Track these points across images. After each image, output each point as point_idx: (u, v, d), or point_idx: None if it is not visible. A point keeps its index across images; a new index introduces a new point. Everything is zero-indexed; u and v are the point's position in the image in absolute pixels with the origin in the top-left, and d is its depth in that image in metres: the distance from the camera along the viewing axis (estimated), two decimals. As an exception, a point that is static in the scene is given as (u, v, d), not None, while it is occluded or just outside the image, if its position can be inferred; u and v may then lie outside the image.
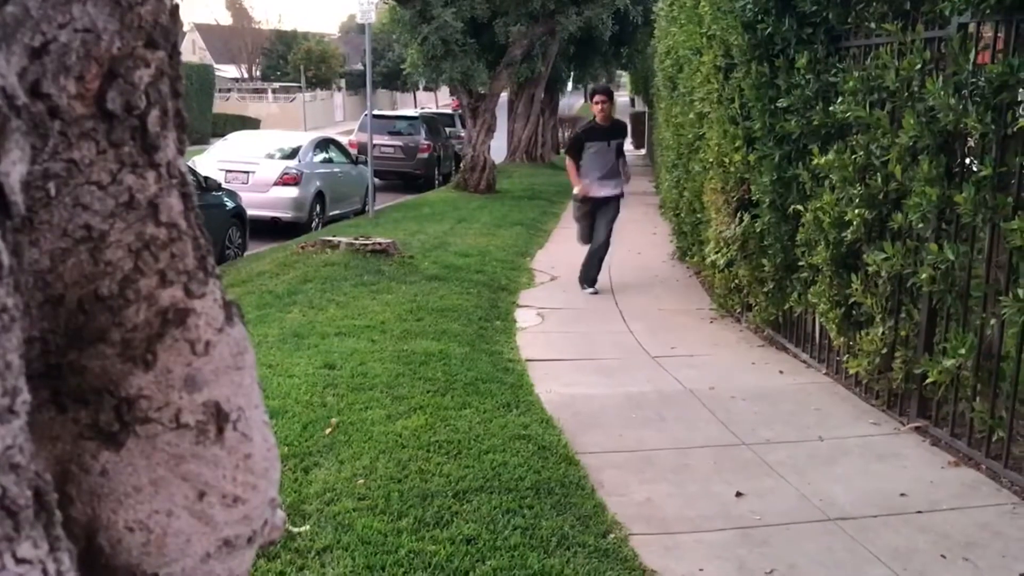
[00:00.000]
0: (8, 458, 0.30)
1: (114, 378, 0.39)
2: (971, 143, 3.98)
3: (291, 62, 50.70)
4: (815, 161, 4.90)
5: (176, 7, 0.42)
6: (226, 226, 9.90)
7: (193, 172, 9.54)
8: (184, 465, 0.40)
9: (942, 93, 3.88)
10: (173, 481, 0.39)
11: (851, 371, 4.96)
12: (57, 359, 0.37)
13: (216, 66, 44.87)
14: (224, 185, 10.73)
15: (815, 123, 5.01)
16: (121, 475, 0.38)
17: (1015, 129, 3.56)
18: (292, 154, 13.24)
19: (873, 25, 4.59)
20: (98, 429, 0.38)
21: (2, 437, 0.30)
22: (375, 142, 15.25)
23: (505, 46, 17.56)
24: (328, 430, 4.22)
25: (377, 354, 5.50)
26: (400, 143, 20.11)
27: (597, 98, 7.66)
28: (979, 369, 3.94)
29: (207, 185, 9.58)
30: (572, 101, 45.26)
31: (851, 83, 4.62)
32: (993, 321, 3.84)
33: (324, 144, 14.31)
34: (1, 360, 0.30)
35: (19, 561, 0.30)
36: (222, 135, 17.88)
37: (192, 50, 52.76)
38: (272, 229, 11.96)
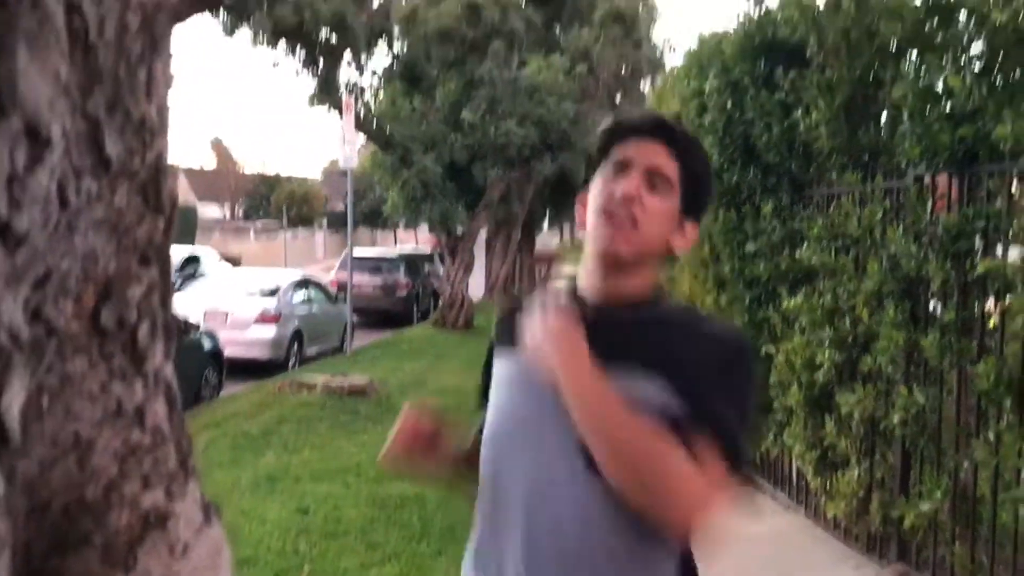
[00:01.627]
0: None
1: (94, 580, 0.41)
2: (934, 288, 4.09)
3: (274, 202, 51.56)
4: (784, 304, 5.00)
5: (169, 225, 0.46)
6: (203, 367, 9.84)
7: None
8: (159, 668, 0.41)
9: (903, 241, 4.02)
10: None
11: (829, 514, 4.92)
12: (40, 564, 0.39)
13: (200, 204, 45.55)
14: (203, 324, 10.73)
15: (783, 267, 5.14)
16: None
17: (974, 276, 3.66)
18: (271, 293, 13.31)
19: (835, 175, 4.78)
20: (75, 632, 0.40)
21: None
22: (356, 280, 15.40)
23: (483, 189, 18.03)
24: (299, 580, 4.11)
25: (352, 498, 5.41)
26: (380, 281, 20.29)
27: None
28: (956, 512, 3.93)
29: (186, 327, 9.58)
30: (548, 240, 46.11)
31: (816, 230, 4.77)
32: (966, 464, 3.85)
33: (303, 283, 14.42)
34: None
35: None
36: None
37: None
38: (249, 368, 11.90)
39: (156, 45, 0.45)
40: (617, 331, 1.32)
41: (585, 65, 18.85)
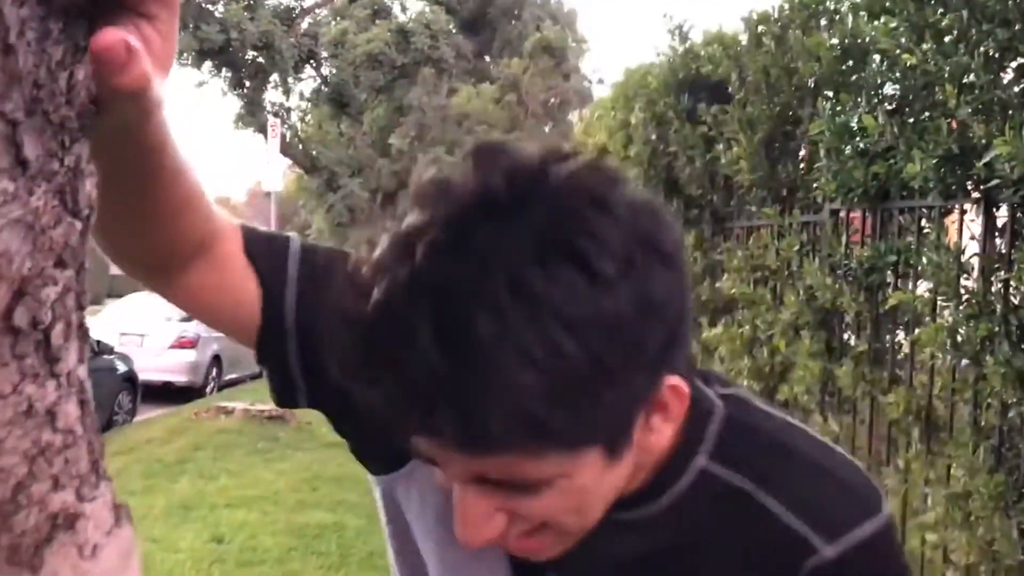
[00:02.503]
0: None
1: (-2, 584, 0.40)
2: (848, 320, 4.22)
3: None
4: (704, 335, 5.10)
5: (87, 228, 0.46)
6: (116, 391, 9.58)
7: (85, 334, 9.29)
8: (63, 673, 0.41)
9: (818, 273, 4.14)
10: None
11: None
12: (-59, 565, 0.39)
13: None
14: (118, 348, 10.46)
15: (703, 298, 5.25)
16: None
17: (886, 308, 3.80)
18: (190, 317, 13.03)
19: (754, 208, 4.91)
20: (-23, 635, 0.40)
21: None
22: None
23: (410, 215, 18.03)
24: (213, 609, 4.01)
25: (269, 527, 5.31)
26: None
27: None
28: (867, 539, 4.03)
29: (99, 348, 9.32)
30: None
31: (735, 262, 4.89)
32: (877, 491, 3.96)
33: (224, 307, 14.20)
34: None
35: None
36: (120, 296, 17.56)
37: (92, 210, 52.33)
38: (166, 393, 11.62)
39: (77, 50, 0.45)
40: (602, 552, 0.79)
41: (515, 95, 19.09)
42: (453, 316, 0.58)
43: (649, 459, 0.76)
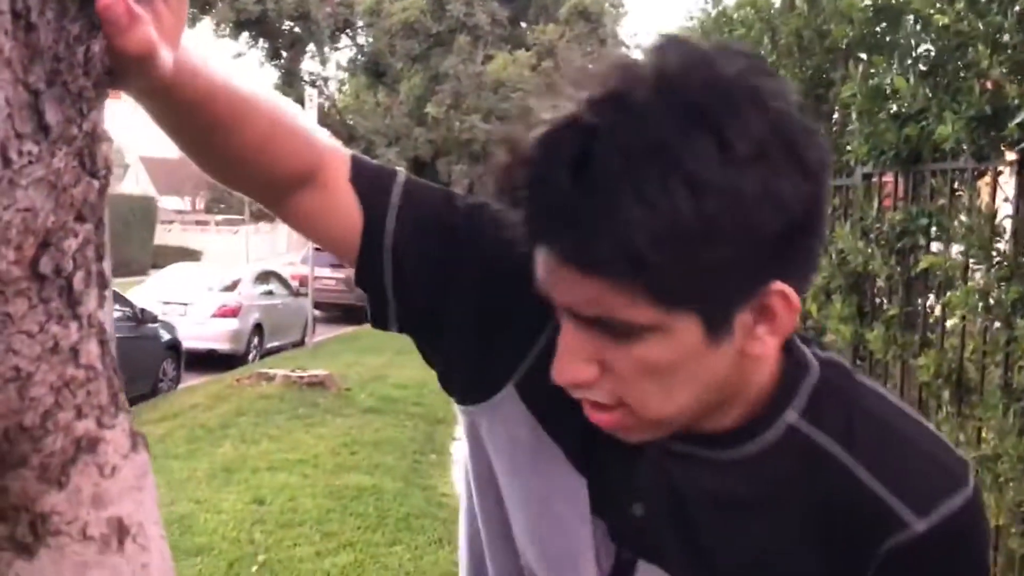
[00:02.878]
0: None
1: (31, 496, 0.46)
2: (879, 284, 4.20)
3: (236, 195, 51.11)
4: (738, 299, 5.11)
5: (104, 186, 0.52)
6: (160, 358, 9.79)
7: (129, 304, 9.51)
8: (89, 571, 0.47)
9: (850, 237, 4.13)
10: (77, 587, 0.46)
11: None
12: (-18, 482, 0.45)
13: (160, 196, 45.16)
14: (161, 317, 10.68)
15: (737, 263, 5.24)
16: (32, 582, 0.45)
17: (917, 271, 3.78)
18: (232, 286, 13.27)
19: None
20: (14, 541, 0.45)
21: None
22: (317, 274, 15.36)
23: (448, 184, 18.06)
24: (255, 568, 4.14)
25: (308, 489, 5.44)
26: (342, 275, 20.26)
27: None
28: (898, 501, 4.05)
29: (143, 317, 9.52)
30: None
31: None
32: (908, 454, 3.97)
33: (264, 276, 14.39)
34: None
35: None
36: (163, 267, 17.88)
37: (135, 182, 53.08)
38: (209, 361, 11.85)
39: (93, 27, 0.50)
40: (685, 475, 0.82)
41: (551, 61, 18.98)
42: (591, 150, 0.64)
43: (747, 384, 0.77)
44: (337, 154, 0.87)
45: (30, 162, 0.45)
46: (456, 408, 0.96)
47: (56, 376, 0.47)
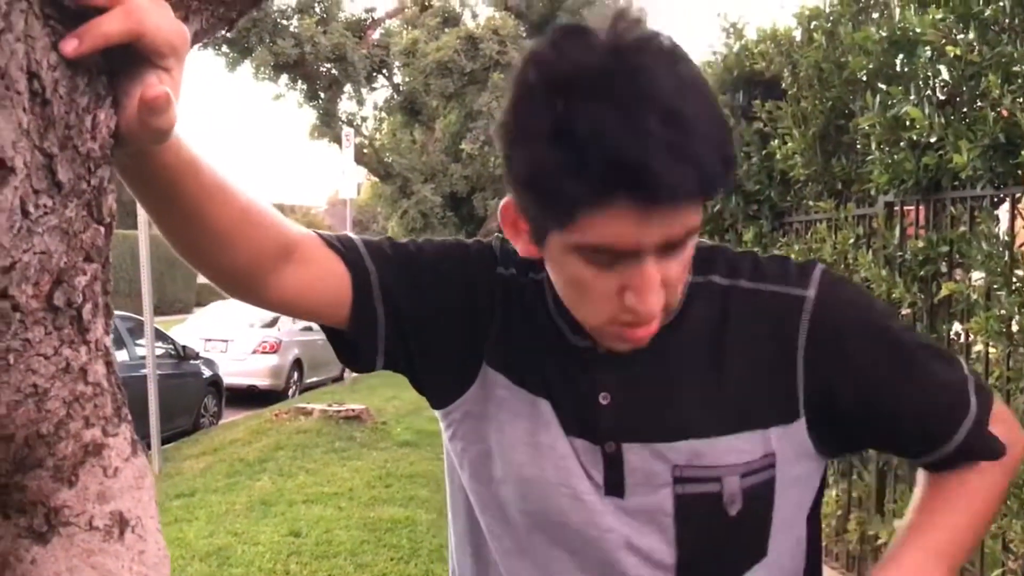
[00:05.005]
0: (-34, 536, 0.46)
1: (46, 493, 0.55)
2: (903, 311, 4.22)
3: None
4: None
5: (110, 231, 0.61)
6: (202, 394, 9.98)
7: (172, 341, 9.72)
8: (93, 557, 0.55)
9: (872, 265, 4.16)
10: (85, 569, 0.54)
11: (811, 534, 5.01)
12: (6, 480, 0.53)
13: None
14: (203, 353, 10.89)
15: (764, 293, 5.27)
16: (47, 564, 0.54)
17: (940, 299, 3.80)
18: (272, 323, 13.48)
19: (811, 203, 4.93)
20: (32, 530, 0.54)
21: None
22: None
23: (483, 219, 18.22)
24: (289, 598, 4.23)
25: (343, 521, 5.52)
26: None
27: None
28: (928, 530, 4.04)
29: (185, 354, 9.72)
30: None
31: (794, 256, 4.92)
32: (936, 482, 3.96)
33: (303, 313, 14.57)
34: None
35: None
36: (206, 305, 18.18)
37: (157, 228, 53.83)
38: (249, 397, 12.04)
39: (99, 98, 0.60)
40: (630, 359, 0.96)
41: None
42: (677, 110, 0.77)
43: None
44: (303, 231, 1.00)
45: (45, 213, 0.55)
46: (440, 423, 1.11)
47: (68, 392, 0.57)
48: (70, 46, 0.54)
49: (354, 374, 14.28)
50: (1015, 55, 3.15)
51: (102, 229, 0.60)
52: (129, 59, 0.61)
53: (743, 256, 1.03)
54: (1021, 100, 3.20)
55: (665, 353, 0.97)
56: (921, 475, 1.08)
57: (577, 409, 0.99)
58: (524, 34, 19.61)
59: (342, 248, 1.01)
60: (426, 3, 19.70)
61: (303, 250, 0.98)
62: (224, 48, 16.32)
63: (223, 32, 0.89)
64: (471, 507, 1.08)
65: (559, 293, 0.95)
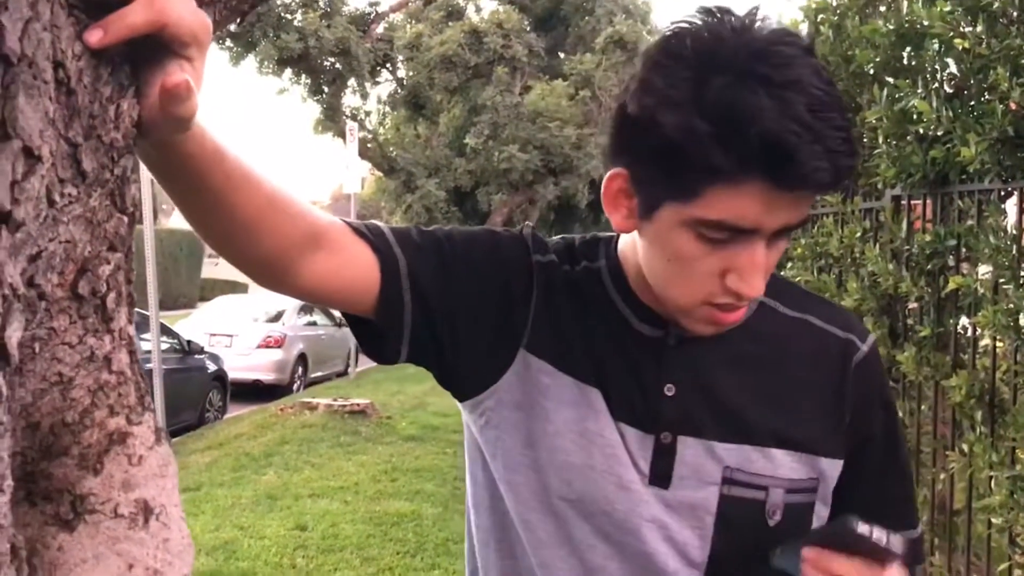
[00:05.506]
0: (-3, 521, 0.46)
1: (72, 481, 0.55)
2: (911, 305, 4.22)
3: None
4: (771, 322, 5.13)
5: (133, 220, 0.61)
6: (207, 388, 10.00)
7: (176, 336, 9.74)
8: (119, 544, 0.56)
9: (879, 259, 4.15)
10: (110, 556, 0.55)
11: (817, 528, 5.02)
12: (32, 468, 0.54)
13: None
14: (208, 348, 10.90)
15: (770, 287, 5.27)
16: (73, 551, 0.54)
17: (947, 293, 3.80)
18: (276, 317, 13.50)
19: (818, 197, 4.92)
20: (58, 518, 0.54)
21: (-7, 506, 0.47)
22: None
23: (487, 213, 18.22)
24: (296, 591, 4.24)
25: (349, 515, 5.54)
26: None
27: None
28: (934, 524, 4.04)
29: (190, 348, 9.74)
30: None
31: (800, 250, 4.91)
32: (943, 475, 3.96)
33: (308, 307, 14.61)
34: (-4, 457, 0.47)
35: (-2, 589, 0.46)
36: (211, 300, 18.21)
37: (183, 217, 53.89)
38: (254, 391, 12.05)
39: (123, 88, 0.60)
40: (703, 356, 1.01)
41: (588, 91, 19.12)
42: (823, 101, 0.82)
43: None
44: (331, 219, 0.99)
45: (70, 202, 0.55)
46: (465, 418, 1.12)
47: (92, 380, 0.57)
48: (95, 36, 0.54)
49: (359, 369, 14.30)
50: (1023, 47, 3.13)
51: (125, 219, 0.61)
52: (152, 49, 0.61)
53: (810, 294, 1.13)
54: (1028, 93, 3.19)
55: (738, 357, 1.02)
56: None
57: (635, 397, 1.00)
58: (528, 28, 19.60)
59: (370, 236, 1.01)
60: (430, -3, 19.68)
61: (331, 238, 0.97)
62: (228, 42, 16.32)
63: (231, 25, 0.89)
64: (497, 500, 1.07)
65: (651, 271, 0.96)
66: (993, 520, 3.55)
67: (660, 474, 0.99)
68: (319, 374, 13.99)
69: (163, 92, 0.61)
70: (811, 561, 0.89)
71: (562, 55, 21.51)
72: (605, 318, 1.03)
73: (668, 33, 0.89)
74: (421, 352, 1.04)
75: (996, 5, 3.30)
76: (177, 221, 49.22)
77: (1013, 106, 3.29)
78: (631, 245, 1.02)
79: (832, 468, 1.02)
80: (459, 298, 1.02)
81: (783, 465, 1.00)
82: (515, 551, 1.07)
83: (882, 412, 1.07)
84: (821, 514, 1.03)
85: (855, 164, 0.85)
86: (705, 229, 0.87)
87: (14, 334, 0.48)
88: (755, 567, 0.99)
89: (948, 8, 3.59)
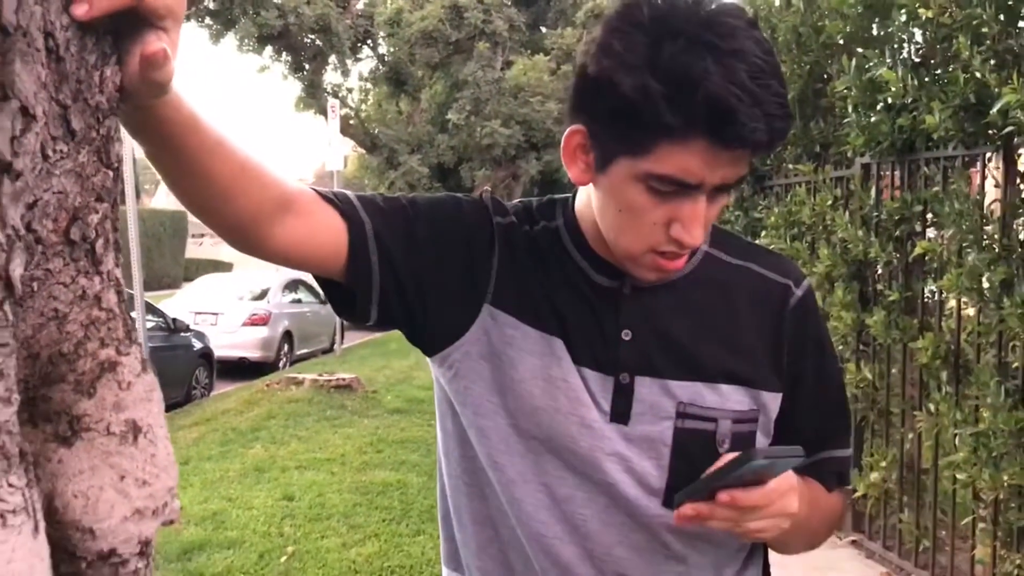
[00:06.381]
0: (5, 427, 0.54)
1: (69, 404, 0.63)
2: (879, 271, 4.32)
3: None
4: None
5: (118, 174, 0.69)
6: (193, 366, 10.05)
7: (162, 314, 9.77)
8: (111, 458, 0.63)
9: (849, 226, 4.25)
10: (104, 468, 0.62)
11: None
12: (33, 393, 0.61)
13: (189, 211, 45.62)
14: (193, 327, 10.94)
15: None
16: (71, 463, 0.62)
17: (914, 257, 3.90)
18: (261, 295, 13.53)
19: (791, 166, 5.01)
20: (57, 435, 0.62)
21: (4, 414, 0.55)
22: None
23: (470, 189, 18.24)
24: (284, 558, 4.32)
25: (336, 485, 5.63)
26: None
27: None
28: (903, 482, 4.16)
29: (175, 326, 9.78)
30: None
31: (773, 219, 5.01)
32: (911, 435, 4.08)
33: (293, 285, 14.63)
34: (3, 372, 0.55)
35: (11, 485, 0.54)
36: (194, 279, 18.20)
37: (166, 197, 53.72)
38: (240, 369, 12.11)
39: (105, 56, 0.68)
40: (656, 303, 1.10)
41: (569, 65, 19.11)
42: (763, 70, 0.91)
43: None
44: (300, 186, 1.05)
45: (61, 157, 0.62)
46: (434, 372, 1.18)
47: (85, 316, 0.64)
48: (81, 9, 0.61)
49: (345, 345, 14.37)
50: (984, 17, 3.21)
51: (111, 173, 0.68)
52: (132, 21, 0.68)
53: (749, 243, 1.24)
54: (985, 61, 3.27)
55: (687, 302, 1.11)
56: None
57: (595, 342, 1.09)
58: (508, 2, 19.54)
59: (337, 202, 1.07)
60: (410, -28, 19.58)
61: (300, 204, 1.03)
62: (207, 20, 16.23)
63: (209, 2, 0.95)
64: (466, 447, 1.15)
65: (604, 220, 1.04)
66: (958, 476, 3.67)
67: (620, 412, 1.08)
68: (305, 351, 14.04)
69: (143, 59, 0.68)
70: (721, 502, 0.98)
71: (543, 29, 21.48)
72: (564, 272, 1.11)
73: (627, 1, 0.96)
74: (390, 311, 1.10)
75: (958, -25, 3.38)
76: (160, 201, 48.96)
77: (977, 75, 3.37)
78: (586, 203, 1.10)
79: (772, 401, 1.12)
80: (424, 258, 1.08)
81: (730, 399, 1.09)
82: (484, 492, 1.15)
83: (815, 349, 1.16)
84: (761, 443, 1.13)
85: (789, 127, 0.93)
86: (655, 182, 0.95)
87: (17, 269, 0.56)
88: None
89: (913, -22, 3.66)
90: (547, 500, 1.10)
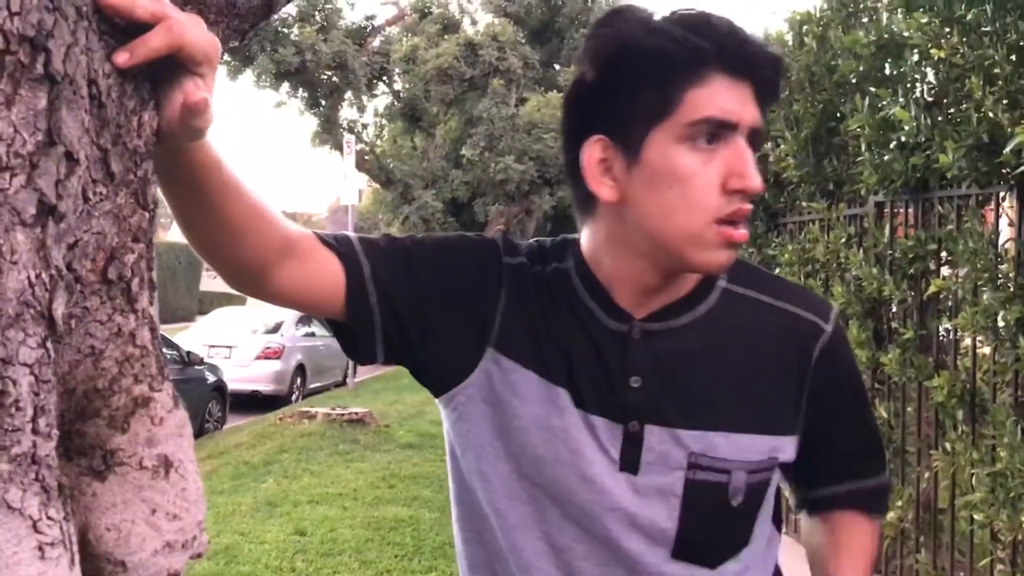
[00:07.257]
0: (45, 461, 0.56)
1: (103, 438, 0.64)
2: (894, 308, 4.31)
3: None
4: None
5: (153, 216, 0.71)
6: (206, 399, 10.07)
7: (176, 347, 9.82)
8: (144, 492, 0.65)
9: (864, 264, 4.25)
10: (136, 502, 0.64)
11: (808, 529, 5.09)
12: (68, 428, 0.63)
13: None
14: (207, 360, 10.98)
15: (759, 292, 5.36)
16: (104, 497, 0.63)
17: (929, 295, 3.89)
18: (275, 329, 13.58)
19: (804, 204, 5.03)
20: (91, 469, 0.63)
21: (45, 448, 0.56)
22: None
23: (484, 224, 18.32)
24: (296, 594, 4.32)
25: (348, 521, 5.61)
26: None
27: None
28: (920, 521, 4.13)
29: (189, 359, 9.81)
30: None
31: (787, 256, 5.01)
32: (927, 474, 4.05)
33: (306, 318, 14.67)
34: (45, 408, 0.57)
35: (50, 518, 0.56)
36: (208, 312, 18.27)
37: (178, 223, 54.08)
38: (253, 402, 12.12)
39: (144, 102, 0.70)
40: (666, 347, 1.07)
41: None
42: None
43: None
44: (303, 230, 1.08)
45: (101, 199, 0.65)
46: (442, 413, 1.18)
47: (120, 353, 0.66)
48: (122, 58, 0.64)
49: (357, 379, 14.38)
50: (996, 57, 3.24)
51: (147, 214, 0.70)
52: (169, 67, 0.71)
53: (771, 275, 1.20)
54: (1004, 102, 3.30)
55: (700, 346, 1.07)
56: (814, 522, 1.27)
57: (603, 389, 1.06)
58: (523, 40, 19.73)
59: (337, 245, 1.08)
60: (426, 10, 19.84)
61: (302, 247, 1.05)
62: (226, 56, 16.48)
63: (233, 43, 0.99)
64: (464, 492, 1.16)
65: (652, 217, 1.00)
66: (975, 516, 3.64)
67: (629, 461, 1.05)
68: (317, 384, 14.05)
69: (185, 108, 0.71)
70: None
71: (557, 67, 21.67)
72: (574, 315, 1.08)
73: (604, 15, 1.03)
74: (394, 350, 1.10)
75: (970, 16, 3.41)
76: (176, 235, 49.31)
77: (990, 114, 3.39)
78: (591, 242, 1.09)
79: (789, 445, 1.09)
80: (426, 300, 1.08)
81: (745, 448, 1.05)
82: (483, 538, 1.14)
83: (847, 382, 1.15)
84: (773, 490, 1.12)
85: (784, 68, 1.02)
86: (696, 130, 0.96)
87: (59, 308, 0.58)
88: (719, 545, 1.09)
89: (925, 20, 3.70)
90: (547, 548, 1.09)
